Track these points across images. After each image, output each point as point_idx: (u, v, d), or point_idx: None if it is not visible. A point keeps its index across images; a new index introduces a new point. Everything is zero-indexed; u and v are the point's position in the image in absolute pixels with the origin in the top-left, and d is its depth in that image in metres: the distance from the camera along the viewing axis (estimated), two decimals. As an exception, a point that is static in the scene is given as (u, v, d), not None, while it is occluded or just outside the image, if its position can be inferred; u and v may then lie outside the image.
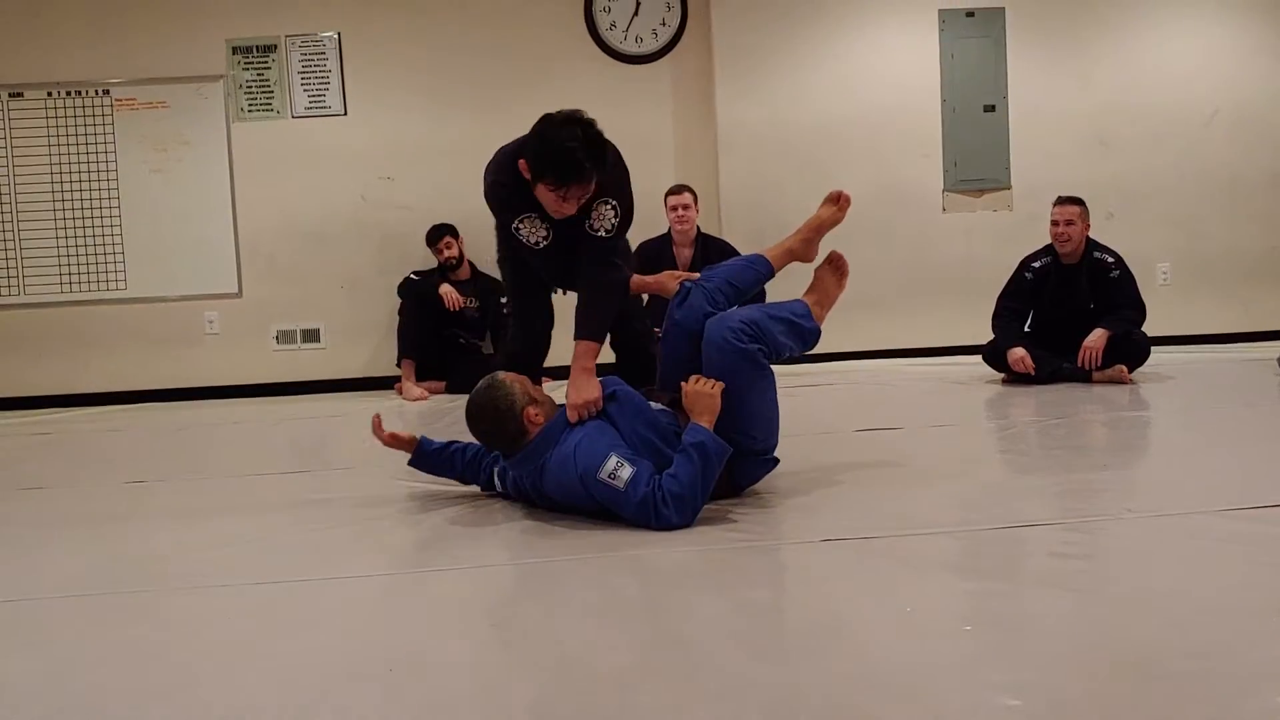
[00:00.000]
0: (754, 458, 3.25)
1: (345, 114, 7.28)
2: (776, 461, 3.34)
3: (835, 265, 3.61)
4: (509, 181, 3.35)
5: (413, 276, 6.91)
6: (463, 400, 3.26)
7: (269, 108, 7.30)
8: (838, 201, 3.64)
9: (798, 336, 3.33)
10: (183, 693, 1.99)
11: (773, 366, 3.25)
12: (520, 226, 3.38)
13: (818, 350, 7.20)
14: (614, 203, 3.38)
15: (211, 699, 1.95)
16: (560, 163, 3.15)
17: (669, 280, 3.53)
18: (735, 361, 3.12)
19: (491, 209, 3.47)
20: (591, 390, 3.13)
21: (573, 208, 3.27)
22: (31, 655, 2.23)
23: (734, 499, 3.26)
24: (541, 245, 3.37)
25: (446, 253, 6.84)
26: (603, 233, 3.39)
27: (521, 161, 3.25)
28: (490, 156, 3.52)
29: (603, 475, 2.91)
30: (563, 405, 3.19)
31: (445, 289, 6.71)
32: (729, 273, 3.50)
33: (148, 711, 1.90)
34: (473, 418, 3.18)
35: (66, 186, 7.26)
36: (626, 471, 2.90)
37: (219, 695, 1.97)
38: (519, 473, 3.21)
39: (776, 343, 3.23)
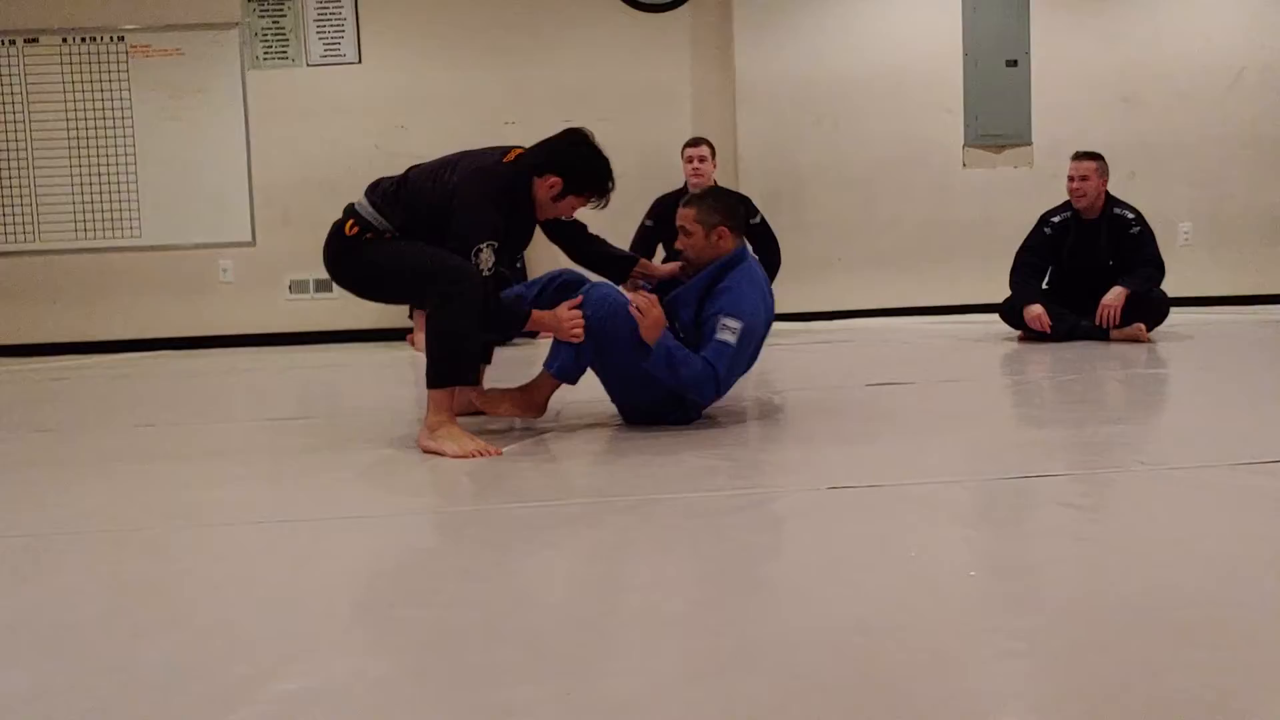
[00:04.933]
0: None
1: (360, 62, 7.24)
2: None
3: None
4: (506, 203, 3.45)
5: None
6: None
7: (284, 56, 7.26)
8: None
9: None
10: (183, 626, 1.98)
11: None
12: (483, 250, 3.35)
13: (832, 307, 7.21)
14: None
15: (210, 632, 1.95)
16: (608, 183, 3.55)
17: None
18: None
19: (475, 222, 3.37)
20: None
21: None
22: (37, 589, 2.24)
23: (740, 447, 3.25)
24: (487, 274, 3.37)
25: None
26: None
27: (555, 179, 3.47)
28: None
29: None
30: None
31: None
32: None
33: (148, 643, 1.90)
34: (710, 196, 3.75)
35: (82, 133, 7.24)
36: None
37: (218, 629, 1.96)
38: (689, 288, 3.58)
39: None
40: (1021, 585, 2.08)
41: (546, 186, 3.50)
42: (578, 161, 3.52)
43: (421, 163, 3.63)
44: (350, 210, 3.57)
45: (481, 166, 3.49)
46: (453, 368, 3.38)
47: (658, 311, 3.37)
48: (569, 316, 3.44)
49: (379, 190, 3.56)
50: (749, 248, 3.68)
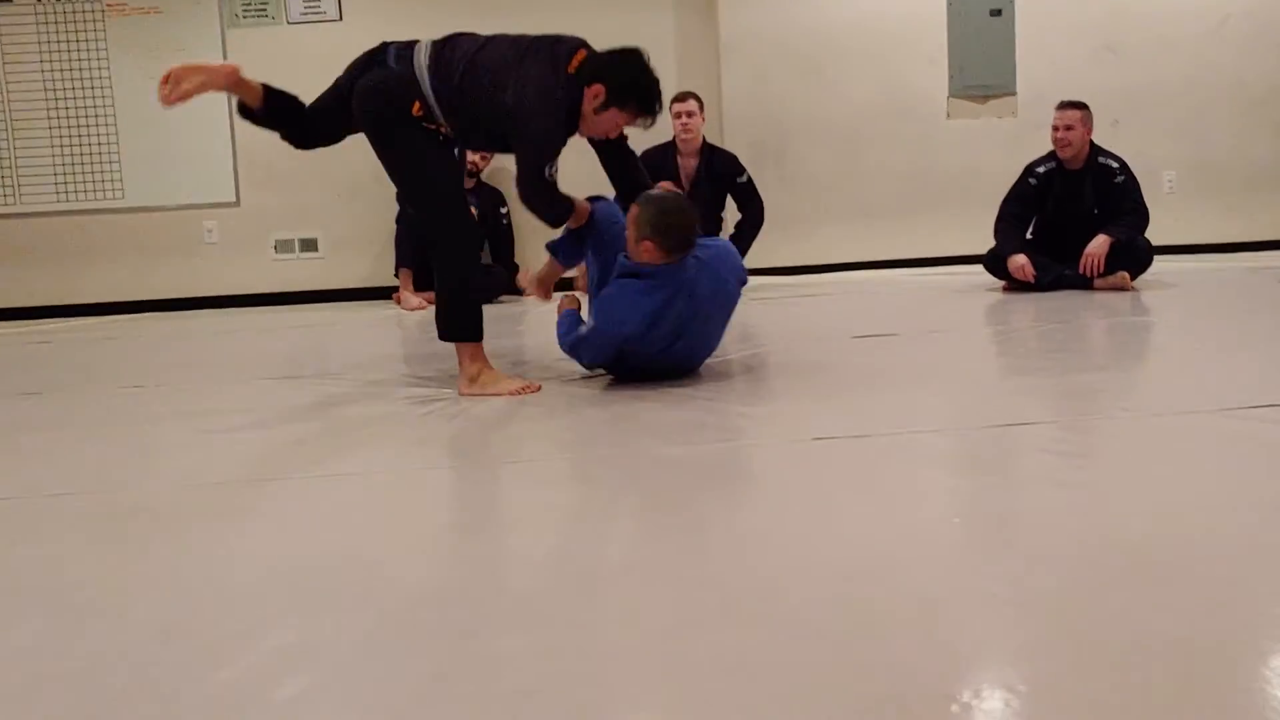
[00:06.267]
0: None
1: (341, 19, 7.16)
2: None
3: None
4: (564, 114, 3.42)
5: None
6: None
7: (264, 13, 7.18)
8: None
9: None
10: (172, 584, 2.00)
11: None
12: (547, 172, 3.42)
13: (817, 260, 7.20)
14: None
15: (199, 590, 1.96)
16: (654, 99, 3.47)
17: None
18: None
19: (543, 135, 3.39)
20: None
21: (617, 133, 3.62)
22: (29, 550, 2.25)
23: (726, 400, 3.26)
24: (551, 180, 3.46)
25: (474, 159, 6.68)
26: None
27: (599, 86, 3.40)
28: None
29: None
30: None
31: None
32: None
33: (139, 600, 1.91)
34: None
35: (60, 94, 7.15)
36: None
37: (207, 587, 1.98)
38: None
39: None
40: (1006, 532, 2.11)
41: (591, 96, 3.42)
42: (624, 73, 3.44)
43: (474, 50, 3.49)
44: (418, 89, 3.46)
45: (545, 87, 3.39)
46: (461, 322, 3.57)
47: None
48: (586, 205, 3.64)
49: (440, 77, 3.46)
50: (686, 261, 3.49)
